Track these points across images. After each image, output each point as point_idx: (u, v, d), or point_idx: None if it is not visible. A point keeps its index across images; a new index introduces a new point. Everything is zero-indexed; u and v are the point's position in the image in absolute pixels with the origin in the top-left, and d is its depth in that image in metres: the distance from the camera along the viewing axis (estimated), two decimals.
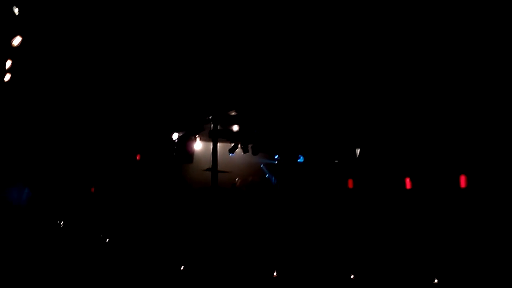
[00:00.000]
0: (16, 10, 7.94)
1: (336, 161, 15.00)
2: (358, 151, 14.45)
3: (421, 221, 11.84)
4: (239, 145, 16.16)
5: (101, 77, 11.10)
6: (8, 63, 9.05)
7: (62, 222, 12.93)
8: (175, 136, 15.31)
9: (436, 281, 8.83)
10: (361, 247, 10.86)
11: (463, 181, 12.73)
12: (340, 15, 10.40)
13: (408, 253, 10.34)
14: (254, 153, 16.05)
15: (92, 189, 14.74)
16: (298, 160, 16.32)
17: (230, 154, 16.44)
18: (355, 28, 10.74)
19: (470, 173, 12.48)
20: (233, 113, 14.48)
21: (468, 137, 12.41)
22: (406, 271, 9.47)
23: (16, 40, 8.58)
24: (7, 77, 9.29)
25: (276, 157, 16.86)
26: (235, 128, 15.66)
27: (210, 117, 14.69)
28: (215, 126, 15.34)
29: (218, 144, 15.70)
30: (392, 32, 10.52)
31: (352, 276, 9.47)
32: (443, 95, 12.21)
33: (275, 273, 9.68)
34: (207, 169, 15.38)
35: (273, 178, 16.31)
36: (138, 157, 14.34)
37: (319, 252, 10.70)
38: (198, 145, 16.46)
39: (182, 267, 9.74)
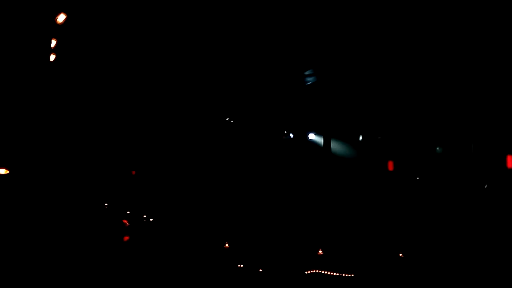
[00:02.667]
0: None
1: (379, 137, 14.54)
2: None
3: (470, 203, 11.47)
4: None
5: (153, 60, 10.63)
6: (53, 43, 8.79)
7: (107, 204, 13.14)
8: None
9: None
10: (408, 227, 10.61)
11: (510, 161, 12.28)
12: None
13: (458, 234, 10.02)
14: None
15: (133, 172, 14.93)
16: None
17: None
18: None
19: None
20: None
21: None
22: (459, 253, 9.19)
23: (61, 18, 8.19)
24: (52, 57, 9.11)
25: None
26: None
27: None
28: None
29: None
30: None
31: (400, 255, 9.26)
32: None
33: (320, 251, 9.55)
34: None
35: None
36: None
37: (366, 232, 10.53)
38: None
39: (227, 245, 9.73)
